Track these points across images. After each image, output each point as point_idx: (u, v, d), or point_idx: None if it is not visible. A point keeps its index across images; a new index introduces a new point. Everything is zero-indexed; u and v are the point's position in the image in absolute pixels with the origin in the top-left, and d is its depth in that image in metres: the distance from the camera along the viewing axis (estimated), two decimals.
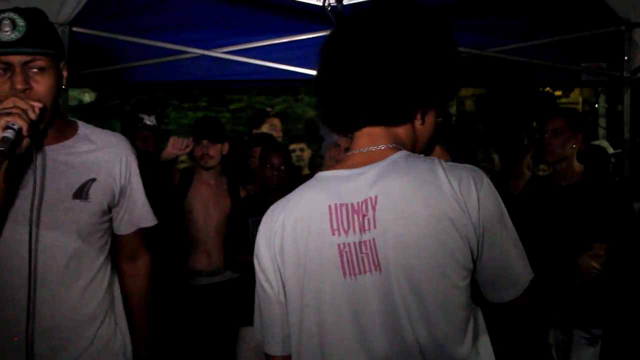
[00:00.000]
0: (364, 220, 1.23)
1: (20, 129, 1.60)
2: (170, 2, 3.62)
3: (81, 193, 1.86)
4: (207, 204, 3.66)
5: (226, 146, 3.66)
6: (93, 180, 1.89)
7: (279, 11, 3.67)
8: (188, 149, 3.63)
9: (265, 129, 4.73)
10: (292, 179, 3.66)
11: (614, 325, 3.20)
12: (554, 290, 3.15)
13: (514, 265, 1.27)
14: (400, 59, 1.26)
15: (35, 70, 1.73)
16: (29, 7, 1.76)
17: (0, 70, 1.71)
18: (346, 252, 1.23)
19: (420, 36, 1.28)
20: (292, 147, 4.73)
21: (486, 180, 1.25)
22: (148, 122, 3.33)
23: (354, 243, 1.23)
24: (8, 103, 1.63)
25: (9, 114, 1.59)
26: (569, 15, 3.82)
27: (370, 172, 1.26)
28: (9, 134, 1.58)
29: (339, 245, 1.23)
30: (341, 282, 1.23)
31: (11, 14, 1.69)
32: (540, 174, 4.56)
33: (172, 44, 3.96)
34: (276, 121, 4.91)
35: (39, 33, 1.73)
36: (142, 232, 2.09)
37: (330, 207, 1.25)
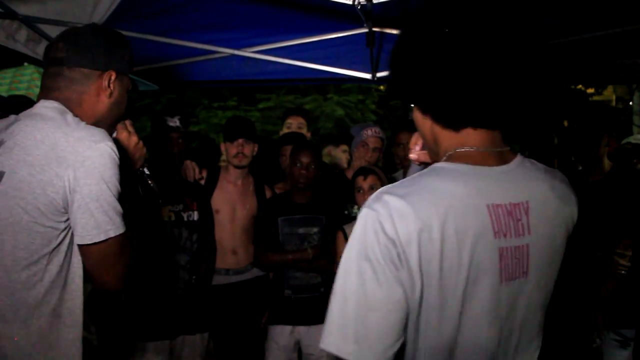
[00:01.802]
0: (518, 225, 1.21)
1: None
2: (200, 2, 3.64)
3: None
4: (233, 204, 3.68)
5: (256, 147, 3.68)
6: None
7: (308, 10, 3.66)
8: (202, 181, 3.65)
9: (286, 128, 4.71)
10: (322, 178, 3.66)
11: None
12: (593, 292, 3.11)
13: None
14: (538, 67, 1.24)
15: None
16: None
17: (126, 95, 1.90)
18: (505, 256, 1.19)
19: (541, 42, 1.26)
20: (343, 147, 4.63)
21: None
22: (171, 124, 3.36)
23: (511, 248, 1.20)
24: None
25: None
26: (603, 11, 3.75)
27: (511, 175, 1.25)
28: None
29: (499, 249, 1.19)
30: (497, 287, 1.19)
31: None
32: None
33: (202, 44, 3.99)
34: (293, 120, 4.79)
35: None
36: None
37: (488, 207, 1.19)
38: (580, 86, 9.81)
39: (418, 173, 1.25)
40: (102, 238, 1.61)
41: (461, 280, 1.15)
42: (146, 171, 2.06)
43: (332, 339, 1.15)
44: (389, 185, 1.22)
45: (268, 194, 3.79)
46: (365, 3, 3.20)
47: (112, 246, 1.64)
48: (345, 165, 4.43)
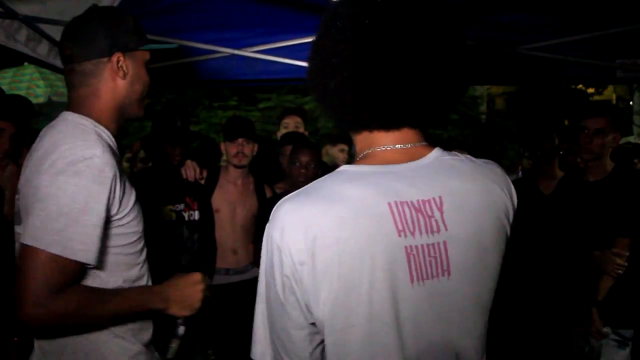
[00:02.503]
0: (430, 221, 1.13)
1: None
2: (201, 2, 3.64)
3: None
4: (234, 203, 3.68)
5: (256, 147, 3.69)
6: None
7: (309, 10, 3.66)
8: (202, 181, 3.66)
9: (283, 128, 4.72)
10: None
11: None
12: (589, 289, 3.11)
13: None
14: (451, 62, 1.16)
15: None
16: None
17: (145, 65, 1.81)
18: (414, 255, 1.11)
19: (458, 34, 1.18)
20: (340, 147, 4.66)
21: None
22: (171, 124, 3.35)
23: (422, 246, 1.12)
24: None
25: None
26: (603, 11, 3.75)
27: (422, 170, 1.17)
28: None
29: (405, 247, 1.11)
30: (408, 289, 1.11)
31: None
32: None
33: (202, 44, 3.99)
34: (290, 119, 4.81)
35: None
36: None
37: (390, 205, 1.11)
38: (580, 86, 9.82)
39: (322, 177, 1.20)
40: (28, 243, 1.48)
41: (364, 283, 1.08)
42: (180, 331, 1.87)
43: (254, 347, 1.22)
44: (292, 193, 1.19)
45: (268, 193, 3.79)
46: None
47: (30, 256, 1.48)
48: (342, 164, 4.43)
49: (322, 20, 1.21)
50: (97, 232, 1.52)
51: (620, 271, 3.01)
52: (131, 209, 1.67)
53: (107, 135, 1.69)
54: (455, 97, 1.21)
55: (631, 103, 10.61)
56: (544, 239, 3.50)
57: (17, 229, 1.66)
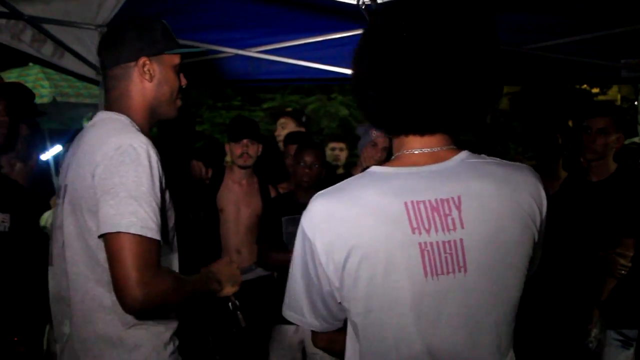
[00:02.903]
0: (446, 220, 1.19)
1: None
2: (204, 2, 3.64)
3: None
4: (238, 203, 3.69)
5: (261, 147, 3.70)
6: None
7: (313, 10, 3.67)
8: (207, 181, 3.67)
9: (278, 130, 4.75)
10: (326, 177, 3.66)
11: None
12: (591, 289, 3.10)
13: None
14: (485, 71, 1.23)
15: None
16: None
17: (175, 68, 1.92)
18: (428, 251, 1.18)
19: (492, 43, 1.25)
20: (332, 145, 4.71)
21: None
22: (176, 124, 3.35)
23: (437, 242, 1.19)
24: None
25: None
26: (608, 11, 3.74)
27: (444, 172, 1.24)
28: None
29: (419, 243, 1.18)
30: (422, 282, 1.18)
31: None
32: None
33: (206, 44, 3.99)
34: (283, 120, 4.86)
35: None
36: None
37: (406, 204, 1.19)
38: (585, 86, 9.79)
39: (352, 177, 1.33)
40: (109, 230, 1.57)
41: (380, 275, 1.19)
42: (236, 302, 2.18)
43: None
44: (325, 189, 1.29)
45: (272, 193, 3.80)
46: (369, 3, 3.20)
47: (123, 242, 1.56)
48: (337, 162, 4.45)
49: (363, 32, 1.31)
50: (159, 213, 1.64)
51: (623, 272, 3.00)
52: (170, 198, 1.81)
53: (141, 132, 1.78)
54: (488, 104, 1.27)
55: (636, 103, 10.56)
56: (548, 239, 3.49)
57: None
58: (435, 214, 1.19)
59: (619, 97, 11.78)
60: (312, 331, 1.41)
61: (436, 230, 1.19)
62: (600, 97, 11.13)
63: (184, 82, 1.94)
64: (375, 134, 4.11)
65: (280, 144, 4.73)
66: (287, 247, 3.45)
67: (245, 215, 3.69)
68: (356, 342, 1.28)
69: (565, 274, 3.35)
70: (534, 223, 1.25)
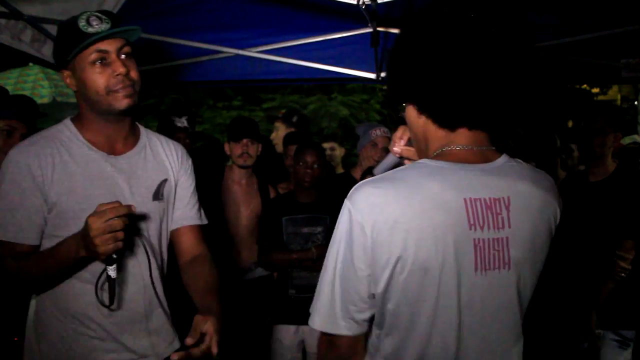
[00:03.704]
0: (497, 218, 1.27)
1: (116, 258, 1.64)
2: (205, 2, 3.64)
3: (158, 194, 1.97)
4: (238, 203, 3.69)
5: (260, 147, 3.70)
6: (165, 180, 2.00)
7: (313, 10, 3.67)
8: None
9: (273, 134, 4.78)
10: (326, 177, 3.66)
11: None
12: (590, 291, 3.10)
13: None
14: (529, 71, 1.30)
15: (124, 56, 1.84)
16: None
17: (97, 62, 1.80)
18: (480, 247, 1.26)
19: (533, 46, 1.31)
20: (323, 145, 4.73)
21: None
22: (179, 124, 3.36)
23: (488, 239, 1.26)
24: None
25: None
26: (608, 11, 3.74)
27: (494, 172, 1.31)
28: (112, 271, 1.66)
29: (474, 239, 1.25)
30: (472, 276, 1.26)
31: (92, 12, 1.82)
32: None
33: (206, 44, 3.99)
34: (277, 124, 4.91)
35: (119, 24, 1.83)
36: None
37: (465, 200, 1.25)
38: (585, 86, 9.78)
39: (402, 167, 1.36)
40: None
41: (436, 267, 1.23)
42: (111, 273, 1.67)
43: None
44: (371, 178, 1.30)
45: (272, 194, 3.80)
46: (369, 3, 3.20)
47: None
48: (332, 162, 4.46)
49: (421, 30, 1.31)
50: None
51: (623, 274, 3.00)
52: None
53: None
54: (529, 104, 1.34)
55: (636, 103, 10.58)
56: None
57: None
58: (489, 212, 1.26)
59: (619, 97, 11.77)
60: (333, 338, 1.35)
61: (488, 228, 1.26)
62: (600, 97, 11.12)
63: (118, 70, 1.80)
64: (375, 134, 4.12)
65: (277, 147, 4.75)
66: (287, 247, 3.45)
67: (245, 216, 3.69)
68: (379, 335, 1.32)
69: (565, 274, 3.35)
70: (554, 226, 1.37)
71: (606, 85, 10.81)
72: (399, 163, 1.55)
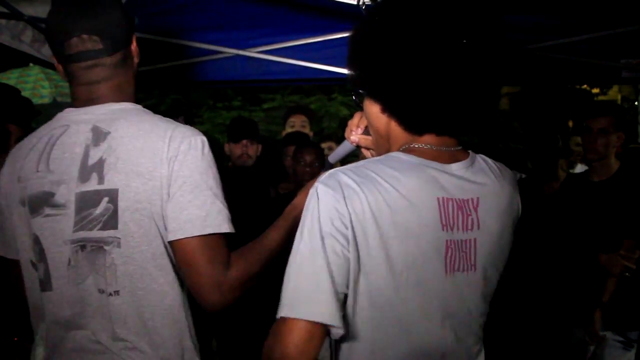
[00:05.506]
0: (467, 219, 1.25)
1: None
2: (205, 2, 3.64)
3: None
4: (237, 203, 3.68)
5: (260, 147, 3.70)
6: None
7: (313, 10, 3.67)
8: None
9: (289, 128, 4.74)
10: None
11: None
12: (592, 291, 3.10)
13: None
14: (494, 74, 1.27)
15: None
16: None
17: None
18: (451, 248, 1.23)
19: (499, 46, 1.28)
20: (322, 145, 4.73)
21: None
22: None
23: (458, 241, 1.24)
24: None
25: None
26: (608, 11, 3.74)
27: (463, 172, 1.28)
28: None
29: (446, 241, 1.22)
30: (442, 278, 1.23)
31: None
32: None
33: (206, 44, 3.99)
34: (295, 118, 4.86)
35: None
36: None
37: (439, 200, 1.22)
38: (585, 86, 9.78)
39: (374, 159, 1.27)
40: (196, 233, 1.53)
41: (407, 267, 1.18)
42: None
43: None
44: (344, 167, 1.23)
45: (272, 194, 3.80)
46: (369, 3, 3.20)
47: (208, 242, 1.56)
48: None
49: (366, 25, 1.29)
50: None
51: (627, 274, 2.99)
52: None
53: None
54: (492, 106, 1.31)
55: (636, 103, 10.58)
56: (548, 239, 3.49)
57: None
58: (459, 213, 1.24)
59: (619, 97, 11.77)
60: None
61: (458, 229, 1.23)
62: (601, 97, 11.11)
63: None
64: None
65: None
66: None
67: (245, 216, 3.69)
68: (354, 337, 1.23)
69: (566, 274, 3.35)
70: (516, 221, 1.36)
71: (606, 86, 10.80)
72: (354, 152, 1.52)
